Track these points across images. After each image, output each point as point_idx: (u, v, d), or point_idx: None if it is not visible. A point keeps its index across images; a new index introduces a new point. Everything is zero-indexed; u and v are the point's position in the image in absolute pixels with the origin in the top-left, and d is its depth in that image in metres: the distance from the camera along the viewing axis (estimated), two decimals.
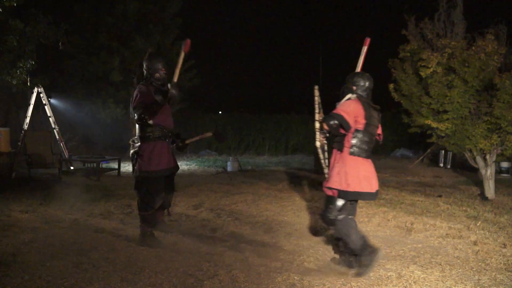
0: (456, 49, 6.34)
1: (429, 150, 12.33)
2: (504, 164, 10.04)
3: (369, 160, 3.44)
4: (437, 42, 6.78)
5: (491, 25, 6.49)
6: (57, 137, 9.53)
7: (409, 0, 7.37)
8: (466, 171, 10.07)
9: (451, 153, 11.00)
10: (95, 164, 8.64)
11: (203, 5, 22.87)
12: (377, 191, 3.44)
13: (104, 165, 9.55)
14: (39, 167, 8.62)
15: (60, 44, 8.80)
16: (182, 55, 4.01)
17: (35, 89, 9.29)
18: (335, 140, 3.47)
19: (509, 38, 6.66)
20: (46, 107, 9.58)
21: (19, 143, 8.96)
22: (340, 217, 3.34)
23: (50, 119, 9.59)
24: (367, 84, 3.50)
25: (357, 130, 3.37)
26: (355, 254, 3.37)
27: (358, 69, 3.84)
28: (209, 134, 4.63)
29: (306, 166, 11.58)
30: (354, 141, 3.36)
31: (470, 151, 6.81)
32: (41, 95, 9.42)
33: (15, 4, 7.31)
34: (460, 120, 6.52)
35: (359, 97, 3.45)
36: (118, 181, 8.33)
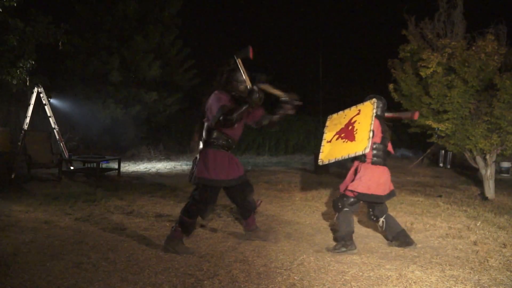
0: (456, 49, 6.34)
1: (429, 150, 12.34)
2: (504, 164, 10.04)
3: (386, 167, 4.07)
4: (437, 42, 6.77)
5: (491, 25, 6.48)
6: (57, 137, 9.53)
7: (409, 0, 7.37)
8: (466, 171, 10.07)
9: (451, 153, 11.00)
10: (95, 164, 8.64)
11: (203, 5, 22.85)
12: (390, 192, 4.15)
13: (104, 165, 9.55)
14: (39, 167, 8.62)
15: (60, 44, 8.78)
16: (240, 61, 3.82)
17: (35, 89, 9.28)
18: None
19: (509, 38, 6.65)
20: (46, 107, 9.58)
21: (19, 143, 8.96)
22: (346, 209, 3.96)
23: (50, 119, 9.59)
24: (382, 104, 4.12)
25: (375, 143, 3.96)
26: (337, 240, 4.01)
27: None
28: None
29: (306, 166, 11.58)
30: (374, 152, 3.99)
31: (470, 151, 6.81)
32: (41, 95, 9.42)
33: (15, 4, 7.31)
34: (460, 120, 6.52)
35: (377, 116, 3.98)
36: (118, 181, 8.34)
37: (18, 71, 7.84)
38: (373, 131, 3.75)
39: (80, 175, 8.72)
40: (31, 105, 9.29)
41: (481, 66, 6.15)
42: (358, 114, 3.95)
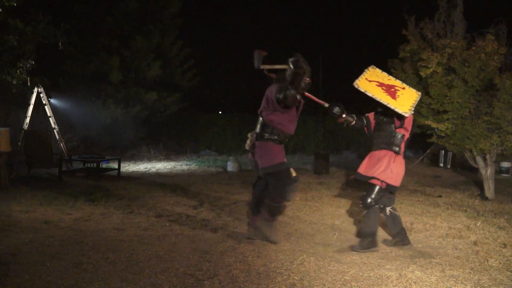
0: (456, 49, 6.34)
1: (429, 150, 12.33)
2: (504, 164, 10.03)
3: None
4: (437, 42, 6.77)
5: (491, 25, 6.48)
6: (57, 137, 9.54)
7: (409, 0, 7.37)
8: (466, 171, 10.06)
9: (451, 153, 10.99)
10: (95, 164, 8.64)
11: (203, 5, 22.86)
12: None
13: (104, 165, 9.55)
14: (39, 167, 8.62)
15: (60, 44, 8.78)
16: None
17: (35, 89, 9.29)
18: (395, 144, 3.95)
19: (509, 38, 6.65)
20: (46, 107, 9.59)
21: (19, 143, 8.96)
22: (376, 206, 3.96)
23: (50, 119, 9.60)
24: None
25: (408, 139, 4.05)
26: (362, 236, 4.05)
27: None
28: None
29: (306, 166, 11.58)
30: (403, 146, 4.00)
31: (470, 151, 6.81)
32: (41, 95, 9.43)
33: (15, 4, 7.31)
34: (460, 120, 6.52)
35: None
36: (118, 181, 8.34)
37: (18, 71, 7.84)
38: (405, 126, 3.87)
39: (80, 175, 8.72)
40: (31, 105, 9.30)
41: (481, 66, 6.15)
42: (402, 88, 3.90)
